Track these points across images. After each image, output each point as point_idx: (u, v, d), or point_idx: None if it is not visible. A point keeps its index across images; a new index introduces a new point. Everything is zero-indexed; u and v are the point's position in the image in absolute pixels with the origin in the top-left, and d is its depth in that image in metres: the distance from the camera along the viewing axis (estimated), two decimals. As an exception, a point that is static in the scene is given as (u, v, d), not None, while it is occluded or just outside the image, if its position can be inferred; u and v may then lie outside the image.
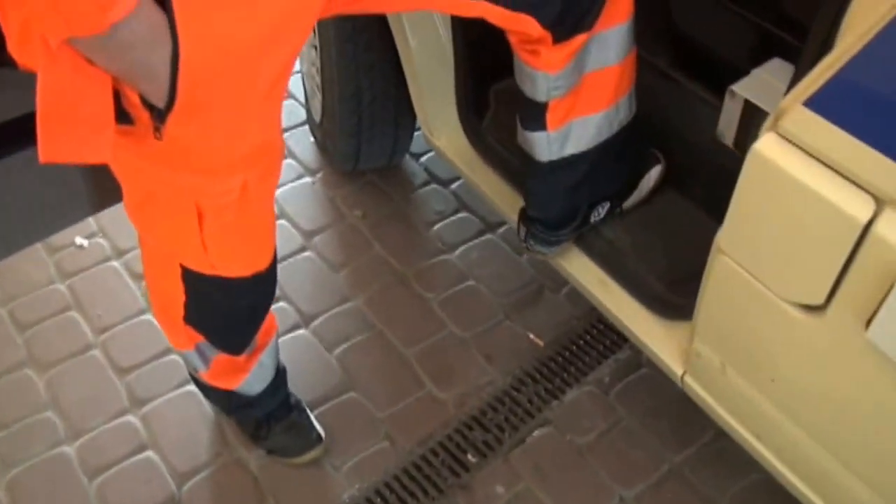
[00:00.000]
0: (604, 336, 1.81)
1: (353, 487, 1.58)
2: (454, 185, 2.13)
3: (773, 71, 1.33)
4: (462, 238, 2.01)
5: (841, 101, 0.86)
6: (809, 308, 0.99)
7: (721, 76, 1.40)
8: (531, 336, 1.81)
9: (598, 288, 1.47)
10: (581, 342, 1.81)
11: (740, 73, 1.33)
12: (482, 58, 1.63)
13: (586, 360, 1.78)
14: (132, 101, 0.85)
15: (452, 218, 2.06)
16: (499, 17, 1.11)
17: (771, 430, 1.20)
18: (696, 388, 1.33)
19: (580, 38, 1.16)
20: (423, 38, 1.58)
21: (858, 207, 0.87)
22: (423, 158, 2.20)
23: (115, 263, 1.96)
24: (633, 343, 1.49)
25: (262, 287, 1.24)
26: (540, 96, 1.24)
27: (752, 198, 1.00)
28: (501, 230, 2.03)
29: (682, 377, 1.35)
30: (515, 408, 1.69)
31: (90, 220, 2.02)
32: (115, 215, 1.93)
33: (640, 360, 1.76)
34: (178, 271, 1.17)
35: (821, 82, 0.87)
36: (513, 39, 1.21)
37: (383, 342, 1.80)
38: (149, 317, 1.84)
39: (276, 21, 0.87)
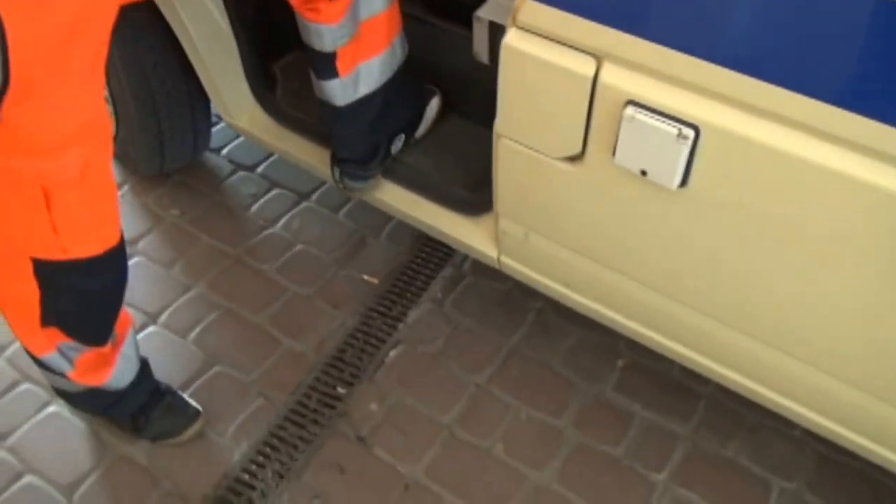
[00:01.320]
0: (428, 261, 2.05)
1: (241, 447, 1.70)
2: (260, 169, 2.29)
3: (506, -6, 1.60)
4: (280, 212, 2.17)
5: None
6: (572, 158, 1.27)
7: (463, 11, 1.66)
8: (366, 277, 2.02)
9: (412, 208, 1.70)
10: (409, 271, 2.03)
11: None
12: (261, 37, 1.81)
13: (418, 283, 2.00)
14: None
15: (266, 197, 2.22)
16: None
17: (575, 274, 1.48)
18: (511, 263, 1.59)
19: None
20: (203, 28, 1.72)
21: (585, 66, 1.14)
22: (224, 151, 2.33)
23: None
24: (453, 247, 1.73)
25: (116, 263, 1.33)
26: (327, 47, 1.44)
27: (511, 84, 1.26)
28: (315, 196, 2.21)
29: (498, 259, 1.61)
30: (368, 339, 1.89)
31: None
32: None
33: (462, 273, 2.02)
34: (30, 268, 1.23)
35: (537, -22, 1.13)
36: (294, 2, 1.40)
37: (233, 317, 1.93)
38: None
39: (83, 5, 1.00)
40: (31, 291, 1.27)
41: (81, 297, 1.33)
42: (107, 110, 1.16)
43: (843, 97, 0.95)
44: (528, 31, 1.18)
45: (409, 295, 1.98)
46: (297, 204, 2.19)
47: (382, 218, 2.12)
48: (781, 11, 0.97)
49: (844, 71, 0.95)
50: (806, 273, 1.15)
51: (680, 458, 1.67)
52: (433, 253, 2.06)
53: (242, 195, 2.21)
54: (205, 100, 1.94)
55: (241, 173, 2.27)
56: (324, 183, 2.22)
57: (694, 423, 1.72)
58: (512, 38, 1.20)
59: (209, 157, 2.29)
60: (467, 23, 1.65)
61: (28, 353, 1.45)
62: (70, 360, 1.44)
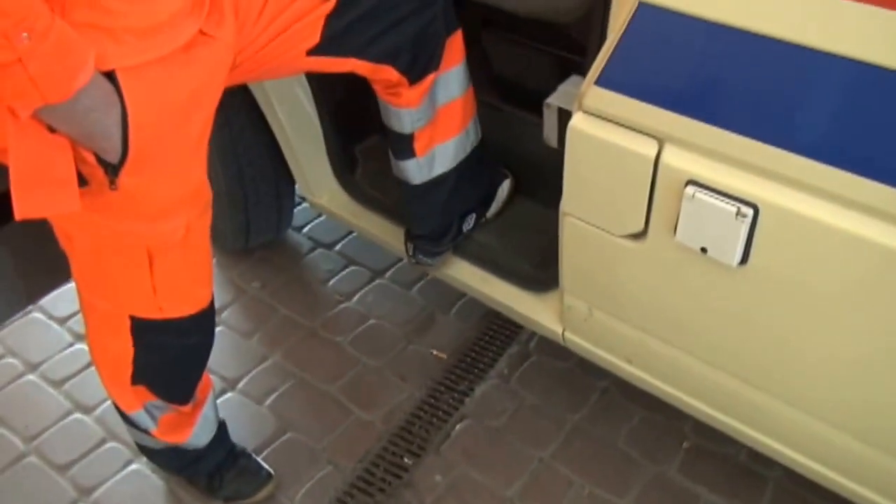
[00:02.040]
0: (494, 338, 2.10)
1: (309, 512, 1.76)
2: (338, 247, 2.40)
3: (573, 84, 1.69)
4: (356, 287, 2.27)
5: (618, 76, 1.21)
6: (635, 236, 1.32)
7: (534, 99, 1.77)
8: (434, 352, 2.08)
9: (482, 284, 1.77)
10: (477, 347, 2.09)
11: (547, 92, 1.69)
12: (344, 122, 1.94)
13: (485, 360, 2.05)
14: (88, 161, 1.06)
15: (343, 273, 2.32)
16: (365, 69, 1.43)
17: (637, 351, 1.52)
18: (575, 339, 1.63)
19: (430, 78, 1.49)
20: (291, 112, 1.87)
21: (647, 148, 1.21)
22: (305, 229, 2.46)
23: (31, 377, 2.06)
24: (520, 322, 1.79)
25: (206, 324, 1.44)
26: (406, 129, 1.55)
27: (576, 164, 1.33)
28: (389, 273, 2.30)
29: (563, 335, 1.66)
30: (435, 412, 1.94)
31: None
32: (19, 332, 2.12)
33: (528, 351, 2.06)
34: (127, 326, 1.34)
35: (601, 67, 1.22)
36: (377, 87, 1.52)
37: (306, 386, 2.01)
38: (78, 415, 1.96)
39: (196, 86, 1.13)
40: (125, 348, 1.38)
41: (171, 355, 1.43)
42: (207, 180, 1.27)
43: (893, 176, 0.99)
44: (593, 114, 1.26)
45: (476, 370, 2.03)
46: (371, 280, 2.28)
47: (452, 296, 2.19)
48: (835, 96, 1.02)
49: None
50: (869, 351, 1.16)
51: (745, 544, 1.65)
52: (500, 331, 2.12)
53: (320, 271, 2.32)
54: (289, 181, 2.08)
55: (320, 250, 2.39)
56: (398, 260, 2.31)
57: (761, 509, 1.70)
58: (578, 122, 1.28)
59: (291, 234, 2.42)
60: (537, 110, 1.76)
61: (117, 409, 1.55)
62: (154, 418, 1.53)
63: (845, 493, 1.38)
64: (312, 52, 1.34)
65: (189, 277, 1.32)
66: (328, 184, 2.00)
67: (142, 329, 1.34)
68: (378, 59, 1.43)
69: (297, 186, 2.13)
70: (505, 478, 1.79)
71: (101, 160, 1.07)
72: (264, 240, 2.27)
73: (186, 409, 1.55)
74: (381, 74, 1.45)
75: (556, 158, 1.77)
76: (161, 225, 1.20)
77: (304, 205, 2.38)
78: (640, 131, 1.21)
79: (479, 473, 1.80)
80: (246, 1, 1.21)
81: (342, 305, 2.21)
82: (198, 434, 1.61)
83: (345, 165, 1.98)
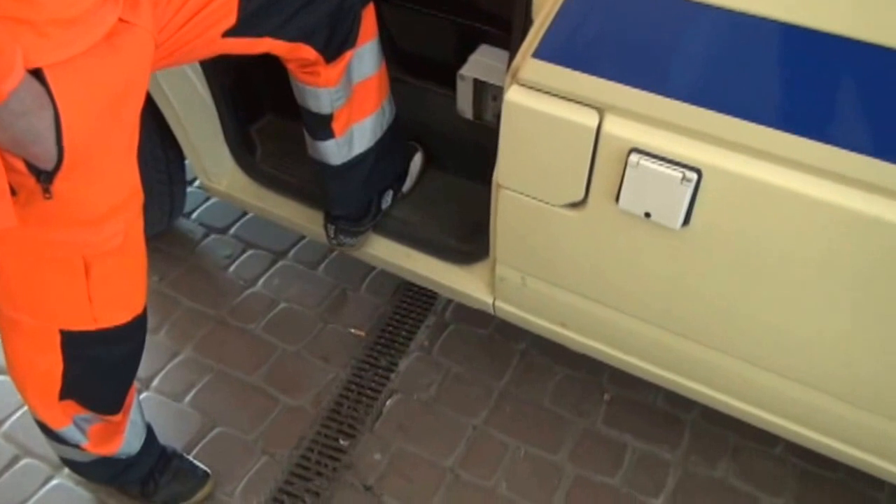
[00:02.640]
0: (410, 311, 2.11)
1: (250, 506, 1.72)
2: (233, 230, 2.32)
3: (484, 53, 1.71)
4: (259, 271, 2.20)
5: (556, 48, 1.22)
6: (575, 205, 1.36)
7: (439, 70, 1.76)
8: (353, 330, 2.06)
9: (406, 260, 1.77)
10: (394, 322, 2.09)
11: (454, 63, 1.69)
12: (239, 102, 1.86)
13: (404, 333, 2.06)
14: (17, 169, 0.98)
15: (242, 257, 2.24)
16: (282, 48, 1.37)
17: (573, 315, 1.56)
18: (507, 308, 1.66)
19: (348, 55, 1.45)
20: (184, 97, 1.77)
21: (588, 118, 1.23)
22: (194, 215, 2.35)
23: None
24: (447, 296, 1.80)
25: (140, 330, 1.37)
26: (325, 109, 1.51)
27: (513, 137, 1.34)
28: (291, 254, 2.25)
29: (493, 304, 1.68)
30: (363, 390, 1.93)
31: None
32: None
33: (445, 320, 2.08)
34: (57, 340, 1.25)
35: (538, 40, 1.23)
36: (292, 67, 1.46)
37: (226, 378, 1.94)
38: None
39: (124, 81, 1.06)
40: (54, 364, 1.29)
41: (103, 367, 1.35)
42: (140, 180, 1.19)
43: (830, 134, 1.06)
44: (529, 87, 1.27)
45: (396, 345, 2.03)
46: (274, 262, 2.22)
47: (361, 271, 2.17)
48: (774, 60, 1.08)
49: (833, 111, 1.06)
50: (794, 296, 1.25)
51: (673, 483, 1.75)
52: (415, 303, 2.12)
53: (218, 257, 2.23)
54: (180, 166, 1.98)
55: (214, 236, 2.30)
56: (300, 240, 2.26)
57: (683, 449, 1.81)
58: (514, 95, 1.29)
59: (181, 222, 2.31)
60: (442, 81, 1.76)
61: (42, 426, 1.45)
62: (84, 432, 1.45)
63: (759, 423, 1.49)
64: (228, 33, 1.28)
65: (126, 284, 1.25)
66: (228, 168, 1.92)
67: (73, 342, 1.26)
68: (294, 38, 1.38)
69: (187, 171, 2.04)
70: (443, 448, 1.81)
71: (32, 168, 0.99)
72: (157, 230, 2.16)
73: (116, 418, 1.47)
74: (297, 54, 1.40)
75: (466, 129, 1.79)
76: (98, 231, 1.13)
77: (190, 189, 2.27)
78: (580, 102, 1.23)
79: (416, 447, 1.81)
80: None
81: (248, 291, 2.15)
82: (129, 441, 1.53)
83: (244, 148, 1.91)
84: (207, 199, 2.38)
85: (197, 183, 2.33)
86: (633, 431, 1.84)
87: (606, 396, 1.91)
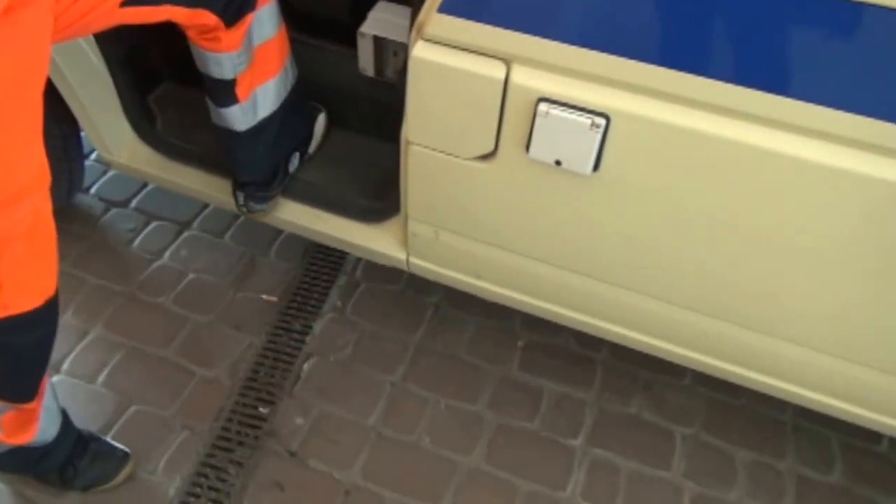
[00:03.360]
0: (320, 273, 2.10)
1: (174, 482, 1.68)
2: (133, 203, 2.25)
3: (383, 9, 1.70)
4: (164, 243, 2.15)
5: (460, 2, 1.23)
6: (485, 157, 1.38)
7: (334, 28, 1.75)
8: (264, 297, 2.04)
9: (315, 223, 1.76)
10: (305, 285, 2.08)
11: (351, 21, 1.67)
12: (135, 72, 1.80)
13: (316, 296, 2.05)
14: None
15: (146, 230, 2.18)
16: (181, 15, 1.33)
17: (487, 266, 1.60)
18: (421, 263, 1.68)
19: (248, 18, 1.42)
20: (78, 69, 1.70)
21: (495, 70, 1.26)
22: (93, 190, 2.27)
23: None
24: (359, 255, 1.81)
25: (52, 314, 1.30)
26: (227, 74, 1.47)
27: (420, 93, 1.35)
28: (196, 223, 2.20)
29: (407, 261, 1.70)
30: (279, 355, 1.92)
31: None
32: None
33: (356, 280, 2.09)
34: None
35: (441, -5, 1.24)
36: (191, 34, 1.42)
37: (139, 354, 1.90)
38: None
39: (25, 58, 1.01)
40: None
41: (15, 354, 1.29)
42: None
43: (735, 74, 1.12)
44: (435, 42, 1.28)
45: (309, 308, 2.03)
46: (179, 233, 2.18)
47: (268, 236, 2.15)
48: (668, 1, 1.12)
49: (729, 47, 1.12)
50: (696, 233, 1.32)
51: (591, 423, 1.83)
52: (324, 264, 2.12)
53: (121, 231, 2.17)
54: (77, 145, 1.90)
55: (115, 210, 2.23)
56: (204, 208, 2.22)
57: (597, 388, 1.89)
58: (420, 50, 1.29)
59: (80, 198, 2.23)
60: (344, 41, 1.75)
61: (-51, 419, 1.38)
62: (-4, 423, 1.39)
63: (665, 355, 1.58)
64: (127, 3, 1.24)
65: (37, 268, 1.20)
66: (127, 140, 1.86)
67: None
68: (194, 3, 1.34)
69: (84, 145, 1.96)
70: (363, 407, 1.83)
71: None
72: (55, 207, 2.06)
73: (30, 405, 1.42)
74: (197, 20, 1.37)
75: (368, 87, 1.78)
76: (7, 215, 1.08)
77: (87, 164, 2.19)
78: (486, 55, 1.25)
79: (337, 408, 1.83)
80: None
81: (155, 264, 2.10)
82: (44, 429, 1.48)
83: (143, 118, 1.85)
84: (105, 172, 2.30)
85: (94, 156, 2.24)
86: (547, 376, 1.91)
87: (520, 343, 1.97)
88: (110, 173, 2.29)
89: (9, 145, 1.03)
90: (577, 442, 1.79)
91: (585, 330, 1.64)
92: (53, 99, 1.73)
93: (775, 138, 1.12)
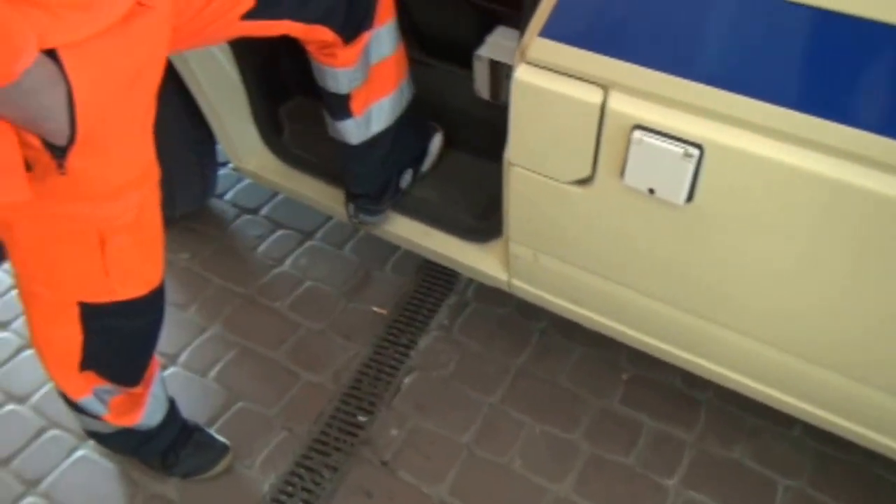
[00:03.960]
0: (432, 290, 2.14)
1: (269, 479, 1.76)
2: (264, 211, 2.37)
3: (500, 35, 1.72)
4: (287, 251, 2.25)
5: (562, 27, 1.23)
6: (582, 181, 1.37)
7: (456, 52, 1.78)
8: (375, 309, 2.10)
9: (424, 238, 1.80)
10: (415, 301, 2.12)
11: (472, 44, 1.71)
12: (267, 84, 1.91)
13: (424, 312, 2.09)
14: (33, 145, 1.02)
15: (272, 237, 2.30)
16: (299, 30, 1.41)
17: (584, 291, 1.58)
18: (522, 286, 1.68)
19: (365, 36, 1.48)
20: (212, 77, 1.82)
21: (593, 95, 1.25)
22: (228, 196, 2.41)
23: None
24: (464, 273, 1.82)
25: (157, 303, 1.41)
26: (343, 89, 1.54)
27: (522, 115, 1.36)
28: (319, 234, 2.29)
29: (508, 282, 1.70)
30: (383, 367, 1.96)
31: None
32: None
33: (465, 300, 2.11)
34: (76, 312, 1.30)
35: (545, 19, 1.24)
36: (311, 48, 1.50)
37: (250, 354, 2.00)
38: (13, 406, 1.89)
39: (138, 62, 1.09)
40: (74, 336, 1.33)
41: (122, 339, 1.40)
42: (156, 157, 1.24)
43: (829, 110, 1.06)
44: (537, 66, 1.29)
45: (417, 323, 2.06)
46: (302, 242, 2.27)
47: (385, 251, 2.21)
48: (775, 36, 1.08)
49: (833, 87, 1.06)
50: (799, 272, 1.25)
51: (688, 463, 1.76)
52: (436, 282, 2.16)
53: (249, 237, 2.29)
54: (212, 148, 2.03)
55: (246, 216, 2.35)
56: (327, 221, 2.31)
57: (699, 430, 1.82)
58: (522, 73, 1.30)
59: (214, 202, 2.37)
60: (460, 62, 1.78)
61: (64, 397, 1.51)
62: (105, 403, 1.50)
63: (774, 403, 1.50)
64: (247, 16, 1.31)
65: (142, 257, 1.29)
66: (256, 148, 1.97)
67: (92, 314, 1.30)
68: (312, 19, 1.41)
69: (218, 152, 2.09)
70: (459, 425, 1.84)
71: (47, 144, 1.03)
72: (189, 209, 2.22)
73: (137, 390, 1.53)
74: (315, 35, 1.44)
75: (484, 109, 1.81)
76: (112, 206, 1.17)
77: (225, 171, 2.33)
78: (585, 80, 1.24)
79: (433, 424, 1.84)
80: None
81: (276, 270, 2.20)
82: (149, 414, 1.59)
83: (272, 129, 1.95)
84: (240, 180, 2.44)
85: (231, 165, 2.39)
86: (649, 411, 1.85)
87: (624, 376, 1.92)
88: (245, 181, 2.42)
89: (120, 140, 1.12)
90: (672, 482, 1.72)
91: (686, 368, 1.58)
92: (190, 108, 1.86)
93: (877, 180, 1.05)
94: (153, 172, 1.23)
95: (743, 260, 1.28)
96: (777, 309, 1.32)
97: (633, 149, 1.22)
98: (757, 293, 1.31)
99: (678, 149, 1.17)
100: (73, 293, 1.29)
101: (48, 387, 1.88)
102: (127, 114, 1.11)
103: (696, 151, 1.16)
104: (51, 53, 0.96)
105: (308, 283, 2.16)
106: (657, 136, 1.19)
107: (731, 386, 1.54)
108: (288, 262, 2.22)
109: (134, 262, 1.27)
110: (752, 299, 1.32)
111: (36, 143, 1.02)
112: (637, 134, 1.20)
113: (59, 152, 1.03)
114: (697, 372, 1.58)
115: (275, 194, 2.38)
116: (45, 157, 1.04)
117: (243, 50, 1.79)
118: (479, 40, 1.72)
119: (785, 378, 1.42)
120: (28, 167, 1.05)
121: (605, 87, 1.23)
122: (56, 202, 1.13)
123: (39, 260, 1.24)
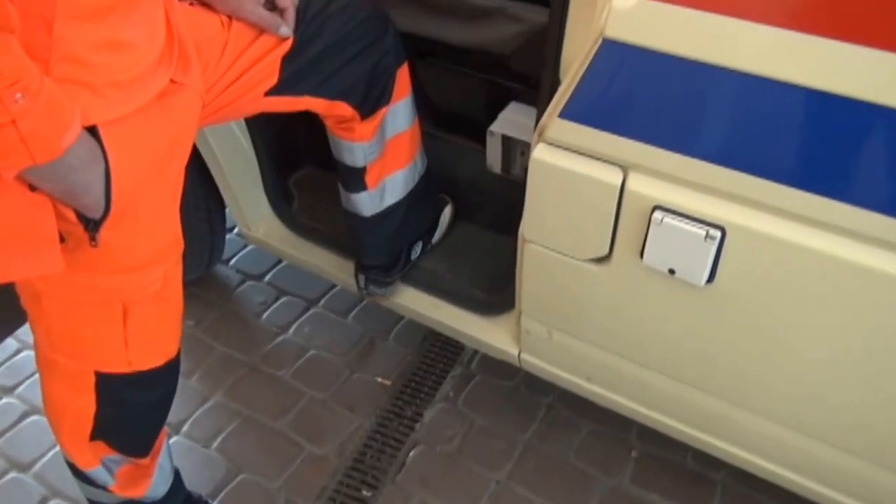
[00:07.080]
0: (436, 361, 2.12)
1: (271, 555, 1.72)
2: (268, 277, 2.36)
3: (514, 111, 1.74)
4: (291, 318, 2.24)
5: (582, 108, 1.25)
6: (599, 260, 1.37)
7: (470, 126, 1.80)
8: (379, 380, 2.07)
9: (433, 311, 1.78)
10: (421, 372, 2.10)
11: (484, 120, 1.72)
12: (279, 154, 1.92)
13: (430, 383, 2.06)
14: (67, 218, 1.02)
15: (276, 304, 2.28)
16: (320, 106, 1.43)
17: (598, 369, 1.56)
18: (533, 361, 1.67)
19: (382, 111, 1.50)
20: (228, 149, 1.83)
21: (612, 176, 1.25)
22: (232, 262, 2.40)
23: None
24: (473, 346, 1.81)
25: (172, 375, 1.39)
26: (359, 162, 1.55)
27: (539, 193, 1.36)
28: (323, 302, 2.28)
29: (518, 356, 1.68)
30: (387, 440, 1.93)
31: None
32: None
33: (471, 372, 2.09)
34: (92, 382, 1.28)
35: (565, 100, 1.26)
36: (329, 122, 1.52)
37: (254, 424, 1.96)
38: (15, 474, 1.85)
39: (172, 139, 1.11)
40: (87, 405, 1.31)
41: (134, 409, 1.38)
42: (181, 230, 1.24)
43: (852, 194, 1.07)
44: (555, 145, 1.29)
45: (422, 395, 2.03)
46: (306, 310, 2.26)
47: (389, 320, 2.19)
48: (797, 122, 1.09)
49: (854, 170, 1.07)
50: (820, 356, 1.24)
51: (703, 547, 1.72)
52: (441, 353, 2.14)
53: (253, 303, 2.27)
54: (221, 219, 2.04)
55: (250, 283, 2.34)
56: (331, 288, 2.29)
57: (712, 511, 1.78)
58: (540, 153, 1.31)
59: (219, 268, 2.36)
60: (473, 136, 1.80)
61: (71, 466, 1.47)
62: (112, 473, 1.47)
63: (795, 489, 1.46)
64: (271, 92, 1.33)
65: (161, 329, 1.28)
66: (265, 217, 1.97)
67: (107, 384, 1.28)
68: (332, 96, 1.43)
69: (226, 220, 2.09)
70: (465, 502, 1.79)
71: (81, 217, 1.03)
72: (196, 276, 2.21)
73: (144, 461, 1.49)
74: (335, 111, 1.45)
75: (494, 183, 1.82)
76: (139, 278, 1.16)
77: (229, 237, 2.33)
78: (604, 160, 1.25)
79: (438, 500, 1.81)
80: (207, 45, 1.20)
81: (280, 338, 2.18)
82: (156, 485, 1.55)
83: (282, 198, 1.96)
84: (245, 246, 2.43)
85: (236, 230, 2.38)
86: (660, 491, 1.82)
87: (634, 454, 1.89)
88: (249, 247, 2.42)
89: (152, 213, 1.12)
90: (686, 566, 1.68)
91: (698, 447, 1.56)
92: (205, 177, 1.87)
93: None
94: (179, 244, 1.22)
95: (763, 342, 1.27)
96: (798, 392, 1.30)
97: (654, 229, 1.22)
98: (778, 376, 1.29)
99: (700, 230, 1.17)
100: (91, 362, 1.27)
101: (51, 454, 1.85)
102: (159, 187, 1.12)
103: (717, 233, 1.16)
104: (91, 130, 0.97)
105: (312, 352, 2.14)
106: (678, 218, 1.19)
107: (748, 468, 1.51)
108: (292, 329, 2.20)
109: (153, 333, 1.27)
110: (772, 382, 1.31)
111: (70, 215, 1.03)
112: (658, 214, 1.20)
113: (92, 225, 1.04)
114: (711, 452, 1.55)
115: (279, 261, 2.37)
116: (78, 230, 1.05)
117: (257, 121, 1.81)
118: (491, 116, 1.74)
119: (805, 462, 1.39)
120: (62, 239, 1.05)
121: (625, 168, 1.24)
122: (86, 274, 1.13)
123: (63, 329, 1.23)
